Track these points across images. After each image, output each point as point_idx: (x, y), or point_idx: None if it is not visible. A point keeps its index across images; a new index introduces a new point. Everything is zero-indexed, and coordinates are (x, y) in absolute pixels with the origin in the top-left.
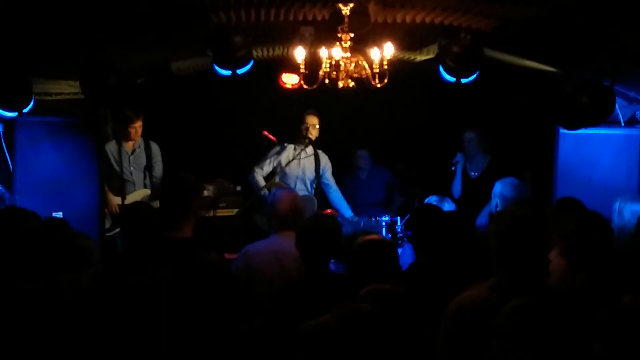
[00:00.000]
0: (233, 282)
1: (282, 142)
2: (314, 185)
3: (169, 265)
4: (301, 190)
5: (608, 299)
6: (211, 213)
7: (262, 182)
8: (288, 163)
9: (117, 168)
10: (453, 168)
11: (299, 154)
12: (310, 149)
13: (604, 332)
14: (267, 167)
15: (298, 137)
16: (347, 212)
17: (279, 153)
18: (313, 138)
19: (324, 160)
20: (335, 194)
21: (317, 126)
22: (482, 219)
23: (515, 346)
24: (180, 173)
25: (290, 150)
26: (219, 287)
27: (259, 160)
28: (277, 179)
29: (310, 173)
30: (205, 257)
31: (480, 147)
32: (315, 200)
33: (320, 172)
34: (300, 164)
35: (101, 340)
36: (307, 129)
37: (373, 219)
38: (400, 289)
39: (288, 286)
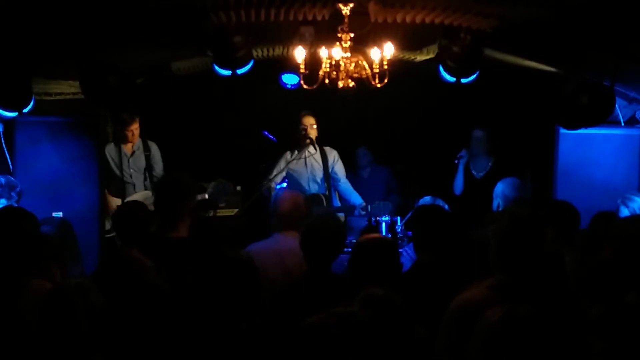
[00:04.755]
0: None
1: (284, 151)
2: (326, 183)
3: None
4: (314, 189)
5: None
6: (211, 213)
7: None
8: (287, 164)
9: (116, 171)
10: (456, 161)
11: (301, 154)
12: (312, 148)
13: (604, 331)
14: (279, 177)
15: (298, 139)
16: (357, 199)
17: (284, 160)
18: (313, 137)
19: (332, 155)
20: (344, 185)
21: (315, 126)
22: None
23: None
24: (173, 173)
25: (291, 154)
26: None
27: (268, 174)
28: (283, 181)
29: (319, 171)
30: (234, 255)
31: (486, 147)
32: (323, 198)
33: (329, 167)
34: (307, 164)
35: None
36: (306, 129)
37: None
38: (394, 296)
39: (291, 286)
